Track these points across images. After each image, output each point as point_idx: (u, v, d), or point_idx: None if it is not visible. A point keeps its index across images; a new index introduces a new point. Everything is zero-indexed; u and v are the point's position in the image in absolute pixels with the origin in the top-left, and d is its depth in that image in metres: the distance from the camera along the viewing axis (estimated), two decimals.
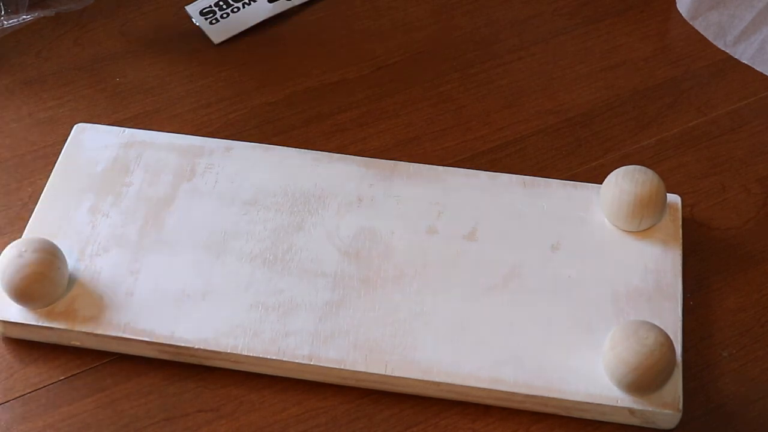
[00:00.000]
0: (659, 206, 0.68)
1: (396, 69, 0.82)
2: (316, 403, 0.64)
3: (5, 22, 0.82)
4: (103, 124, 0.76)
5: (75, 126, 0.75)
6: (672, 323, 0.64)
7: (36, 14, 0.83)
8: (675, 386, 0.62)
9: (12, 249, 0.64)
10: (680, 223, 0.69)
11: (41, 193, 0.71)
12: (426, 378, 0.62)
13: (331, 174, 0.72)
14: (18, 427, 0.63)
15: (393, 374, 0.62)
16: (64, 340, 0.65)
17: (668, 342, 0.60)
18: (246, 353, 0.63)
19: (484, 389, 0.62)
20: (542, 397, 0.62)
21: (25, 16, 0.82)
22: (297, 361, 0.63)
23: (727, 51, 0.83)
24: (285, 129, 0.78)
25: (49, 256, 0.64)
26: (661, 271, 0.67)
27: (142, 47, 0.84)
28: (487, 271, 0.67)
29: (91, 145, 0.74)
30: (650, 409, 0.61)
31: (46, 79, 0.81)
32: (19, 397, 0.64)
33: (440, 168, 0.73)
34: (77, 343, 0.65)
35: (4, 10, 0.82)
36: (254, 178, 0.72)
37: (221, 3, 0.86)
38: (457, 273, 0.67)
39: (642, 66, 0.83)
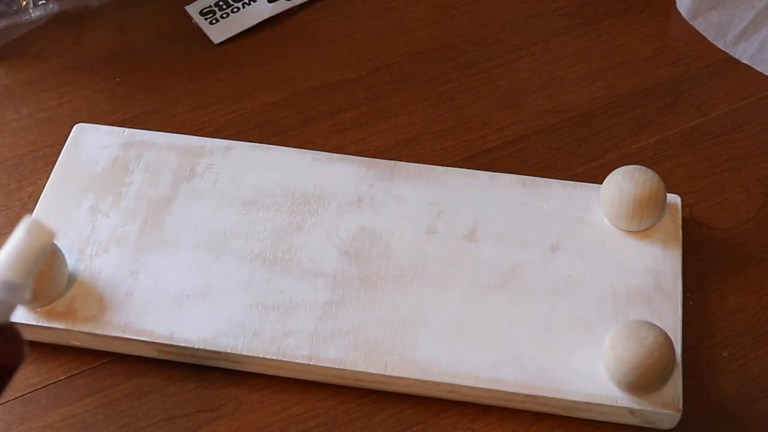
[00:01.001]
0: (659, 206, 0.68)
1: (396, 69, 0.82)
2: (315, 403, 0.64)
3: (33, 12, 0.82)
4: (103, 124, 0.75)
5: (75, 126, 0.75)
6: (672, 323, 0.64)
7: (48, 10, 0.83)
8: (675, 386, 0.62)
9: None
10: (680, 223, 0.69)
11: (41, 193, 0.71)
12: (426, 378, 0.62)
13: (331, 174, 0.72)
14: (18, 427, 0.63)
15: (393, 374, 0.63)
16: (64, 340, 0.65)
17: (668, 341, 0.60)
18: (246, 353, 0.63)
19: (483, 389, 0.62)
20: (542, 397, 0.62)
21: (52, 6, 0.82)
22: (297, 361, 0.63)
23: (727, 51, 0.83)
24: (285, 129, 0.78)
25: (49, 255, 0.64)
26: (661, 271, 0.67)
27: (142, 47, 0.84)
28: (487, 271, 0.67)
29: (91, 145, 0.74)
30: (650, 408, 0.61)
31: (45, 79, 0.81)
32: (19, 397, 0.64)
33: (440, 168, 0.73)
34: (77, 343, 0.65)
35: (32, 4, 0.82)
36: (254, 178, 0.72)
37: (221, 3, 0.86)
38: (457, 273, 0.67)
39: (642, 66, 0.83)
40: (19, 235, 0.51)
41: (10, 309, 0.51)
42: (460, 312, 0.65)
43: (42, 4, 0.82)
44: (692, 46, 0.84)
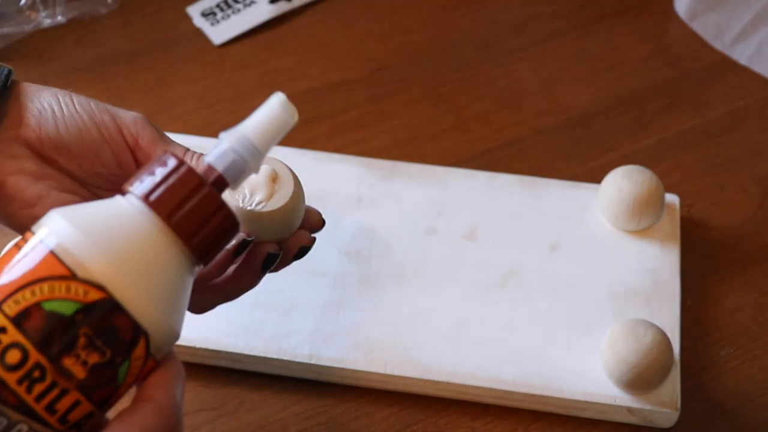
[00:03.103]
0: (658, 206, 0.68)
1: (396, 70, 0.83)
2: (316, 401, 0.64)
3: (43, 21, 0.83)
4: None
5: None
6: (670, 322, 0.65)
7: (70, 15, 0.84)
8: (673, 385, 0.62)
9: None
10: (678, 222, 0.70)
11: None
12: (425, 377, 0.63)
13: (331, 174, 0.72)
14: None
15: (393, 373, 0.63)
16: None
17: (666, 340, 0.60)
18: (247, 352, 0.64)
19: (483, 388, 0.62)
20: (541, 396, 0.62)
21: (60, 17, 0.83)
22: (297, 360, 0.63)
23: (725, 52, 0.83)
24: None
25: None
26: (660, 271, 0.67)
27: (143, 48, 0.84)
28: (487, 271, 0.67)
29: None
30: (648, 407, 0.61)
31: (47, 80, 0.81)
32: None
33: (440, 168, 0.73)
34: None
35: (42, 8, 0.83)
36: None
37: (222, 4, 0.86)
38: (456, 273, 0.67)
39: (640, 67, 0.83)
40: (273, 106, 0.49)
41: (246, 174, 0.48)
42: (460, 311, 0.65)
43: (51, 12, 0.83)
44: (690, 47, 0.84)
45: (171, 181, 0.44)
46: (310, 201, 0.71)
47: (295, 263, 0.67)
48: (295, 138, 0.77)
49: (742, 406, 0.64)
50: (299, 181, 0.53)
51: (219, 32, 0.85)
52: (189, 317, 0.64)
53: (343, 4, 0.87)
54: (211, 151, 0.47)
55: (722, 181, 0.75)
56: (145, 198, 0.43)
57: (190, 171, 0.45)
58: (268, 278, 0.67)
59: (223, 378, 0.65)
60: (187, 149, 0.54)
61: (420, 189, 0.72)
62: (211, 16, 0.86)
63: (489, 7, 0.87)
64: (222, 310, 0.65)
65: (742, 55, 0.83)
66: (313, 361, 0.63)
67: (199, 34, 0.85)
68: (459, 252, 0.68)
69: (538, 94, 0.81)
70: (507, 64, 0.83)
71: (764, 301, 0.69)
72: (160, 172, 0.44)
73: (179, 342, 0.63)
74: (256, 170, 0.49)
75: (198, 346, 0.64)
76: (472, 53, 0.84)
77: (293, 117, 0.50)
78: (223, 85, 0.82)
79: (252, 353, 0.63)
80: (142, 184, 0.44)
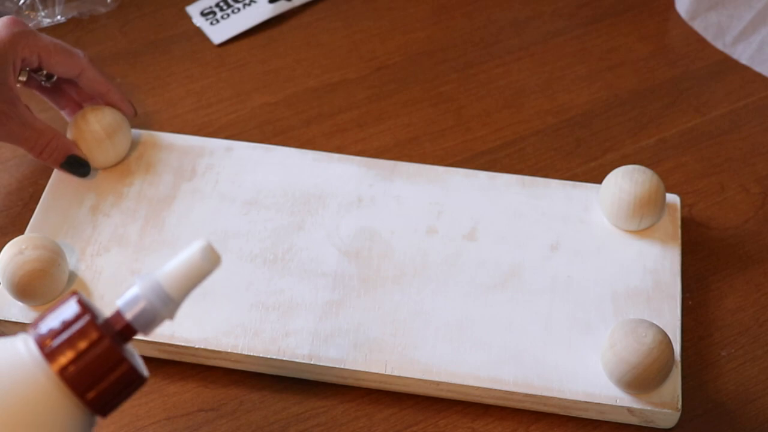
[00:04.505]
0: (658, 206, 0.68)
1: (396, 69, 0.83)
2: (316, 402, 0.64)
3: (43, 21, 0.83)
4: None
5: None
6: (671, 323, 0.64)
7: (70, 15, 0.84)
8: (674, 385, 0.62)
9: (13, 246, 0.64)
10: (679, 222, 0.70)
11: (42, 193, 0.71)
12: (425, 377, 0.63)
13: (331, 174, 0.72)
14: None
15: (393, 373, 0.63)
16: None
17: (666, 340, 0.60)
18: (246, 353, 0.63)
19: (483, 388, 0.62)
20: (541, 396, 0.62)
21: (59, 17, 0.83)
22: (297, 360, 0.63)
23: (726, 51, 0.83)
24: (285, 129, 0.78)
25: (50, 252, 0.64)
26: (660, 271, 0.67)
27: (142, 48, 0.84)
28: (487, 271, 0.67)
29: None
30: (649, 408, 0.61)
31: None
32: None
33: (440, 168, 0.73)
34: None
35: (41, 8, 0.83)
36: (254, 178, 0.72)
37: (222, 3, 0.86)
38: (456, 273, 0.67)
39: (641, 66, 0.83)
40: (192, 253, 0.48)
41: (156, 322, 0.47)
42: (460, 312, 0.65)
43: (50, 11, 0.83)
44: (691, 47, 0.84)
45: (69, 332, 0.42)
46: (311, 201, 0.72)
47: (294, 262, 0.68)
48: (295, 138, 0.78)
49: (743, 407, 0.64)
50: None
51: (218, 31, 0.85)
52: (189, 317, 0.64)
53: (343, 4, 0.87)
54: (123, 294, 0.46)
55: (723, 180, 0.75)
56: (41, 346, 0.42)
57: (91, 323, 0.43)
58: (268, 278, 0.67)
59: (223, 378, 0.65)
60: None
61: (420, 189, 0.71)
62: (210, 16, 0.86)
63: (489, 6, 0.87)
64: (222, 310, 0.65)
65: (742, 54, 0.82)
66: (313, 362, 0.63)
67: (199, 33, 0.85)
68: (459, 252, 0.68)
69: (538, 94, 0.81)
70: (507, 63, 0.83)
71: (765, 301, 0.69)
72: (61, 319, 0.42)
73: (179, 342, 0.64)
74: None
75: (198, 346, 0.64)
76: (472, 53, 0.84)
77: (213, 265, 0.48)
78: (223, 84, 0.81)
79: (252, 353, 0.63)
80: (41, 330, 0.42)
